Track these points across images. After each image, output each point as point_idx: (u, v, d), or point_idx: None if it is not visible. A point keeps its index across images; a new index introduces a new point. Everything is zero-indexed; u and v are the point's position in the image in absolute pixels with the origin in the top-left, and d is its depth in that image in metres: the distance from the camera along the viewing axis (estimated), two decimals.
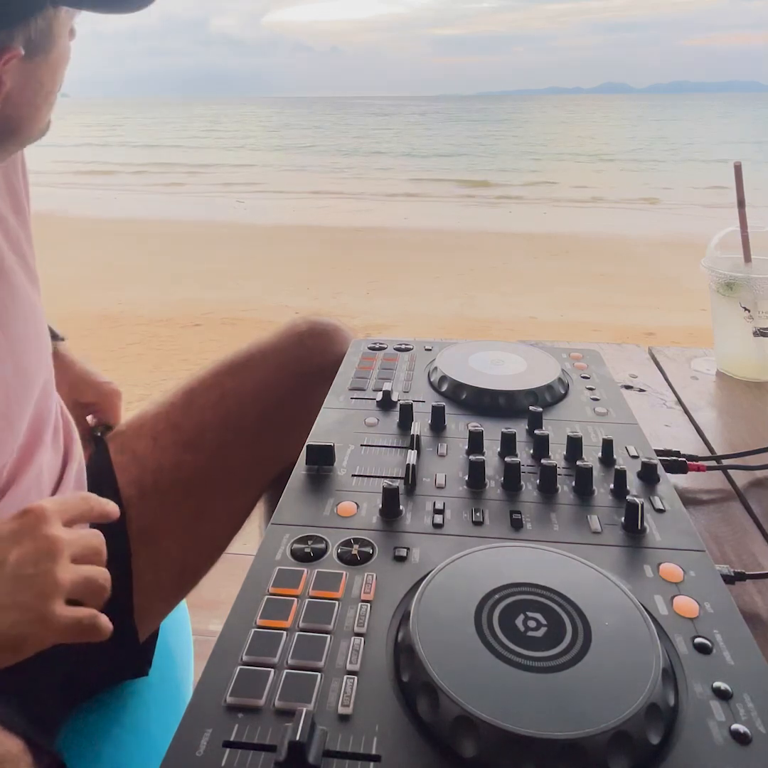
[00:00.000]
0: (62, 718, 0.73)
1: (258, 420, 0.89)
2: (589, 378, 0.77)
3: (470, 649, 0.38)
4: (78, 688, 0.75)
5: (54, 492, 0.75)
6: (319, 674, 0.37)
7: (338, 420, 0.67)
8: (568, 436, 0.61)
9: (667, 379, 0.95)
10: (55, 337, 0.91)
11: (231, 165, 14.76)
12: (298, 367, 0.89)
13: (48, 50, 0.61)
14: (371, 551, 0.47)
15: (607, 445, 0.60)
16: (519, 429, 0.64)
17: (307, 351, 0.90)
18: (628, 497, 0.51)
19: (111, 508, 0.60)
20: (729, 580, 0.52)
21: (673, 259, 5.71)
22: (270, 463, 0.89)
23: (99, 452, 0.88)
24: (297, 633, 0.40)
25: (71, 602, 0.53)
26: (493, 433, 0.63)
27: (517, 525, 0.51)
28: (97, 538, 0.56)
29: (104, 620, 0.53)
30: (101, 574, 0.54)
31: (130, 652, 0.83)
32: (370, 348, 0.85)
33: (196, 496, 0.88)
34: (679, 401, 0.89)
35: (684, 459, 0.69)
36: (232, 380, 0.91)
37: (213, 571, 0.91)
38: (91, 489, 0.82)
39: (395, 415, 0.67)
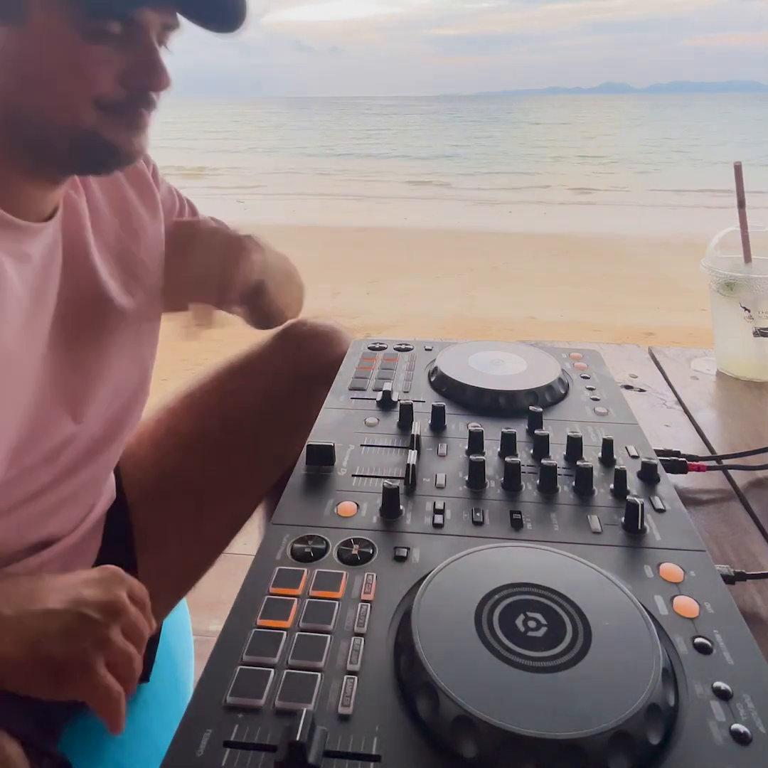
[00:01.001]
0: (65, 720, 0.73)
1: (257, 423, 0.89)
2: (589, 378, 0.77)
3: (470, 649, 0.38)
4: None
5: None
6: (319, 674, 0.37)
7: (338, 420, 0.67)
8: (568, 436, 0.61)
9: (667, 379, 0.95)
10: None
11: (231, 165, 14.76)
12: (297, 370, 0.89)
13: None
14: (371, 551, 0.47)
15: (607, 445, 0.60)
16: (519, 429, 0.64)
17: (306, 353, 0.90)
18: (628, 497, 0.51)
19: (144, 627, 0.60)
20: (729, 580, 0.52)
21: (673, 259, 5.71)
22: (270, 466, 0.89)
23: None
24: (297, 633, 0.40)
25: None
26: (493, 433, 0.63)
27: (517, 525, 0.51)
28: (144, 626, 0.58)
29: (122, 697, 0.54)
30: (138, 658, 0.56)
31: None
32: (370, 348, 0.85)
33: (198, 499, 0.88)
34: (679, 401, 0.89)
35: (684, 459, 0.69)
36: (232, 384, 0.91)
37: (213, 571, 0.91)
38: None
39: (395, 415, 0.67)
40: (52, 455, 0.69)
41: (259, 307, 0.87)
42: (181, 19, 0.66)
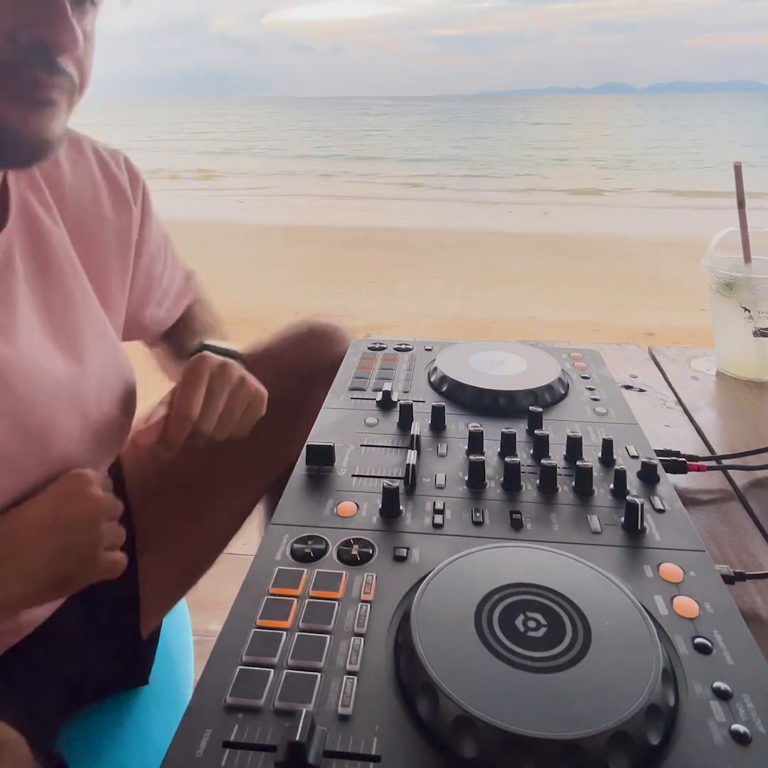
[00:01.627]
0: (64, 721, 0.73)
1: (258, 422, 0.89)
2: (589, 378, 0.77)
3: (470, 649, 0.38)
4: (80, 692, 0.75)
5: None
6: (319, 674, 0.37)
7: (338, 420, 0.67)
8: (568, 436, 0.61)
9: (667, 379, 0.95)
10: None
11: (231, 165, 14.77)
12: (298, 369, 0.89)
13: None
14: (371, 551, 0.47)
15: (607, 445, 0.60)
16: (519, 429, 0.64)
17: (307, 352, 0.90)
18: (628, 497, 0.51)
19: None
20: (729, 580, 0.52)
21: (673, 259, 5.71)
22: (270, 465, 0.89)
23: None
24: (297, 633, 0.40)
25: None
26: (493, 433, 0.63)
27: (517, 525, 0.51)
28: (116, 504, 0.66)
29: (124, 559, 0.65)
30: (121, 530, 0.66)
31: (133, 651, 0.83)
32: (370, 348, 0.85)
33: (198, 498, 0.88)
34: (679, 401, 0.89)
35: (684, 459, 0.69)
36: None
37: (213, 571, 0.91)
38: None
39: (395, 415, 0.67)
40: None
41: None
42: None
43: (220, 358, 0.75)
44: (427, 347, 0.85)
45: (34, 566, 0.59)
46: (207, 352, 0.75)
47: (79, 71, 0.57)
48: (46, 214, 0.69)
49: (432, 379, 0.75)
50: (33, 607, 0.62)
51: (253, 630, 0.40)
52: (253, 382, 0.77)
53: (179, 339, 0.94)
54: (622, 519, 0.51)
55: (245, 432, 0.77)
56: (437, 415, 0.66)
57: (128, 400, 0.76)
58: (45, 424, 0.63)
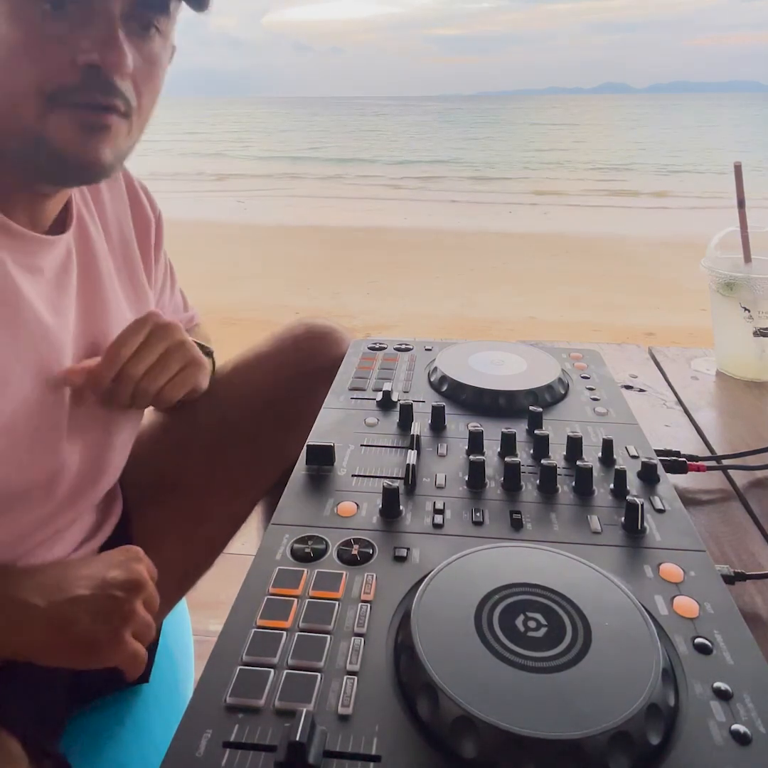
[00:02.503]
0: (65, 721, 0.73)
1: (256, 423, 0.89)
2: (589, 378, 0.77)
3: (470, 649, 0.38)
4: (81, 692, 0.75)
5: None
6: (319, 674, 0.37)
7: (338, 420, 0.67)
8: (568, 436, 0.61)
9: (667, 379, 0.95)
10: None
11: (232, 165, 14.76)
12: (296, 370, 0.89)
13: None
14: (371, 551, 0.47)
15: (607, 445, 0.60)
16: (519, 429, 0.64)
17: (305, 354, 0.90)
18: (628, 497, 0.51)
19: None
20: (729, 580, 0.52)
21: (673, 260, 5.71)
22: (269, 466, 0.89)
23: None
24: (297, 633, 0.40)
25: None
26: (493, 433, 0.63)
27: (517, 525, 0.51)
28: (156, 595, 0.64)
29: (146, 657, 0.61)
30: (153, 625, 0.63)
31: None
32: (370, 348, 0.85)
33: (197, 499, 0.88)
34: (679, 401, 0.89)
35: (684, 459, 0.69)
36: (231, 384, 0.91)
37: (213, 571, 0.91)
38: None
39: (395, 415, 0.67)
40: (48, 483, 0.68)
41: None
42: None
43: (169, 319, 0.75)
44: (427, 347, 0.85)
45: (68, 621, 0.57)
46: (156, 310, 0.76)
47: (137, 94, 0.59)
48: (93, 227, 0.74)
49: (432, 379, 0.75)
50: (52, 663, 0.59)
51: (253, 630, 0.40)
52: (196, 352, 0.78)
53: None
54: (622, 519, 0.51)
55: (176, 395, 0.77)
56: (437, 415, 0.66)
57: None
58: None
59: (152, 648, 0.86)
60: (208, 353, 0.87)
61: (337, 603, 0.43)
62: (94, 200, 0.75)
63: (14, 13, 0.52)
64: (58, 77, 0.53)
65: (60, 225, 0.69)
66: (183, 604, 0.98)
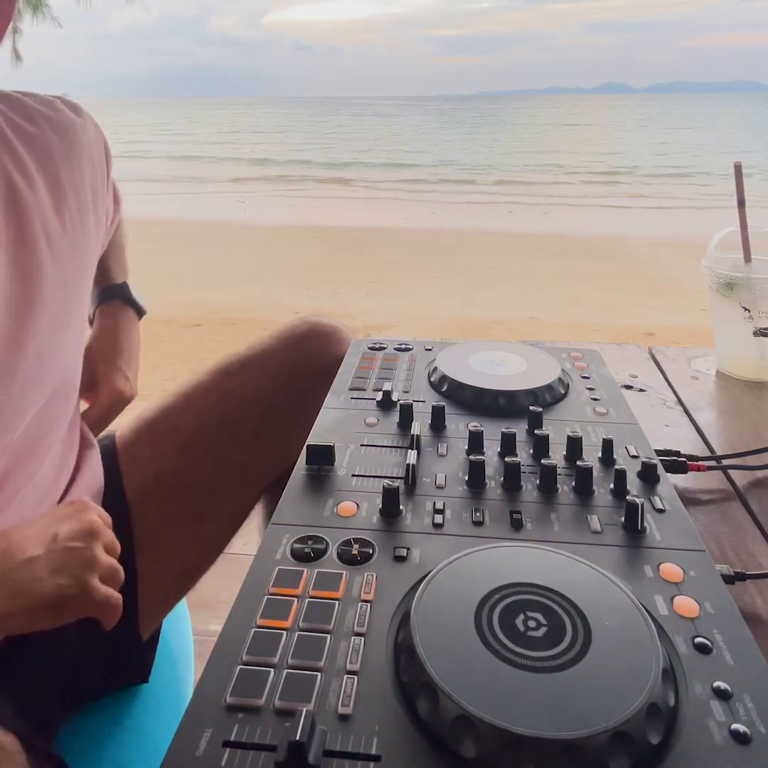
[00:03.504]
0: (64, 721, 0.73)
1: (257, 422, 0.89)
2: (589, 378, 0.77)
3: (470, 649, 0.38)
4: (80, 692, 0.75)
5: (62, 497, 0.76)
6: (319, 674, 0.37)
7: (338, 420, 0.67)
8: (568, 436, 0.61)
9: (667, 379, 0.95)
10: (139, 311, 0.96)
11: (232, 165, 14.76)
12: (297, 369, 0.89)
13: None
14: (371, 551, 0.47)
15: (607, 445, 0.60)
16: (519, 429, 0.64)
17: (306, 352, 0.90)
18: (628, 497, 0.51)
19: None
20: (729, 580, 0.52)
21: (673, 259, 5.71)
22: (269, 465, 0.89)
23: (104, 456, 0.88)
24: (297, 633, 0.40)
25: None
26: (493, 433, 0.63)
27: (517, 525, 0.51)
28: (116, 542, 0.64)
29: (120, 601, 0.61)
30: (120, 569, 0.63)
31: (133, 652, 0.83)
32: (370, 348, 0.85)
33: (197, 498, 0.88)
34: (679, 401, 0.89)
35: (684, 459, 0.69)
36: (231, 382, 0.91)
37: (213, 571, 0.91)
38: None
39: (395, 415, 0.67)
40: None
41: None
42: None
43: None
44: (427, 347, 0.85)
45: (28, 584, 0.56)
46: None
47: None
48: (23, 179, 0.70)
49: (432, 379, 0.75)
50: (26, 630, 0.58)
51: (253, 630, 0.40)
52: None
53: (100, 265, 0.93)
54: (622, 519, 0.51)
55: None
56: (437, 415, 0.66)
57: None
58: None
59: (152, 648, 0.86)
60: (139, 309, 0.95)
61: (337, 603, 0.43)
62: (24, 144, 0.72)
63: None
64: None
65: None
66: (183, 604, 0.98)
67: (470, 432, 0.62)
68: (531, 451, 0.61)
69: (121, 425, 0.94)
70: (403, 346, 0.85)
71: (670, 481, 0.57)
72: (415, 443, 0.60)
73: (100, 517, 0.63)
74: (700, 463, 0.69)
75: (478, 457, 0.57)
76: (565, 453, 0.61)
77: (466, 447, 0.62)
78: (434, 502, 0.54)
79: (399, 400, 0.69)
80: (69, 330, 0.75)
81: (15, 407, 0.67)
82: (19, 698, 0.64)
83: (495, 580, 0.42)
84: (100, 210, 0.83)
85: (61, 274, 0.72)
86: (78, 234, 0.76)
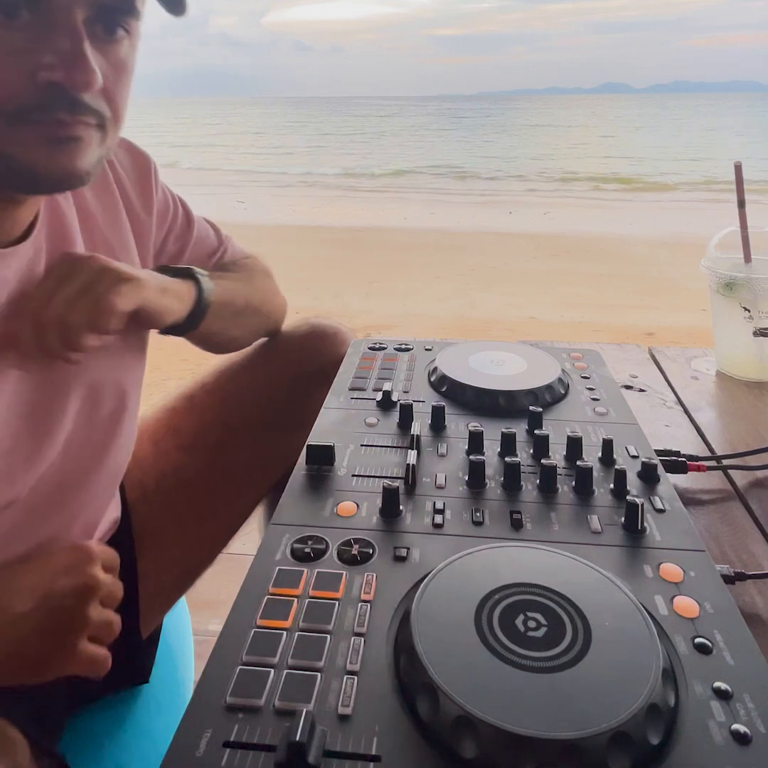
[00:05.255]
0: (65, 721, 0.73)
1: (258, 422, 0.89)
2: (589, 378, 0.77)
3: (470, 649, 0.38)
4: (81, 692, 0.75)
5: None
6: (319, 674, 0.37)
7: (338, 420, 0.67)
8: (568, 436, 0.61)
9: (667, 379, 0.95)
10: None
11: (232, 165, 14.77)
12: (298, 369, 0.89)
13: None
14: (371, 551, 0.47)
15: (607, 445, 0.60)
16: (519, 429, 0.64)
17: (307, 353, 0.90)
18: (628, 497, 0.51)
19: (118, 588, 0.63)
20: (729, 580, 0.52)
21: (673, 259, 5.71)
22: (271, 465, 0.89)
23: None
24: (297, 633, 0.40)
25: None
26: (493, 433, 0.63)
27: (517, 525, 0.51)
28: (118, 588, 0.61)
29: (109, 658, 0.58)
30: (116, 619, 0.59)
31: (133, 652, 0.83)
32: (370, 348, 0.85)
33: (199, 499, 0.88)
34: (679, 401, 0.89)
35: (684, 459, 0.69)
36: (232, 383, 0.91)
37: (213, 571, 0.91)
38: None
39: (395, 415, 0.67)
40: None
41: (196, 336, 0.80)
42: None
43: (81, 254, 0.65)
44: (427, 347, 0.85)
45: (11, 644, 0.54)
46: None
47: (110, 103, 0.55)
48: (73, 226, 0.68)
49: (432, 379, 0.75)
50: (5, 683, 0.55)
51: (253, 630, 0.40)
52: (127, 274, 0.65)
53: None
54: (622, 519, 0.51)
55: (112, 322, 0.64)
56: (437, 415, 0.66)
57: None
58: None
59: (152, 648, 0.86)
60: (189, 275, 0.76)
61: (337, 603, 0.43)
62: (75, 199, 0.69)
63: None
64: (17, 97, 0.49)
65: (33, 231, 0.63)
66: (183, 604, 0.98)
67: (470, 432, 0.62)
68: (531, 451, 0.61)
69: None
70: (403, 346, 0.85)
71: (670, 481, 0.57)
72: (415, 443, 0.60)
73: (105, 562, 0.60)
74: (700, 463, 0.69)
75: (478, 457, 0.57)
76: (565, 453, 0.61)
77: (466, 447, 0.62)
78: (434, 502, 0.54)
79: (399, 400, 0.69)
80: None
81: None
82: (23, 698, 0.64)
83: (495, 580, 0.42)
84: None
85: None
86: None
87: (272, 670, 0.38)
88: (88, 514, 0.74)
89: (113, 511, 0.82)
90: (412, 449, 0.59)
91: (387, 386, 0.71)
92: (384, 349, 0.85)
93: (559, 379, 0.73)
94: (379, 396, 0.71)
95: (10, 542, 0.64)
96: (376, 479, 0.57)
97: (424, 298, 4.77)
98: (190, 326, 0.76)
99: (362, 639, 0.40)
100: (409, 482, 0.56)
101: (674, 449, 0.70)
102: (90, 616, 0.56)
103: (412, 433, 0.61)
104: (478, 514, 0.52)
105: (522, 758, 0.32)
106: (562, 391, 0.73)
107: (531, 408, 0.66)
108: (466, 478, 0.57)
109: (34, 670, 0.55)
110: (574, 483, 0.56)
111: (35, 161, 0.52)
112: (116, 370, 0.73)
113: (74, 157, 0.54)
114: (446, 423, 0.66)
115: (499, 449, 0.61)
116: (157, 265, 0.80)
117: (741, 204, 0.93)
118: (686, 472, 0.68)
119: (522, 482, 0.56)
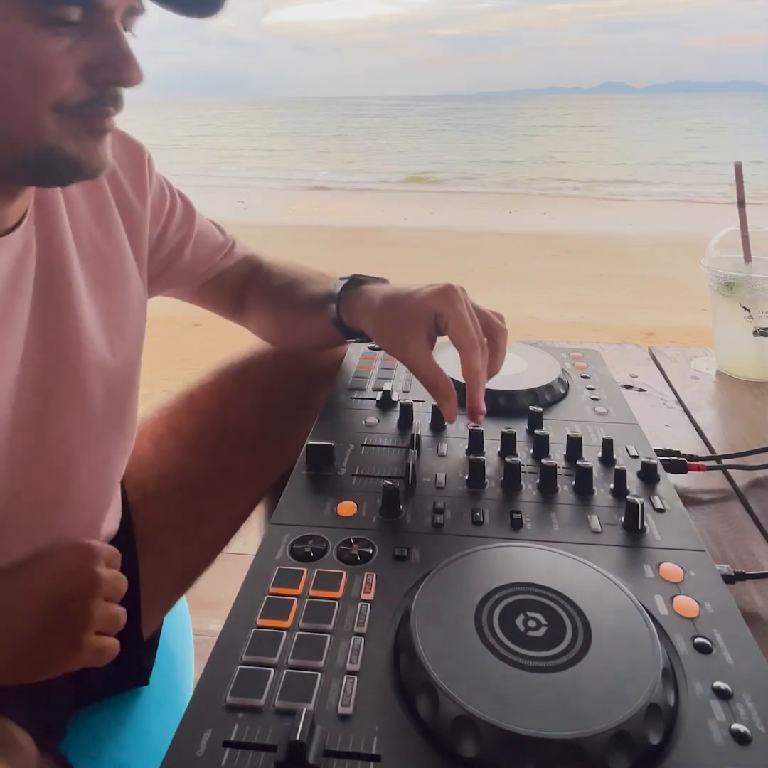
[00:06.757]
0: (68, 721, 0.73)
1: (258, 422, 0.89)
2: (589, 378, 0.77)
3: (470, 649, 0.38)
4: (81, 692, 0.75)
5: None
6: (319, 674, 0.37)
7: (338, 420, 0.67)
8: (568, 436, 0.61)
9: (667, 379, 0.95)
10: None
11: (232, 165, 14.77)
12: (298, 370, 0.89)
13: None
14: (371, 551, 0.47)
15: (607, 445, 0.60)
16: (519, 429, 0.64)
17: (307, 353, 0.90)
18: (628, 497, 0.51)
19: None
20: (729, 580, 0.52)
21: (673, 259, 5.71)
22: (271, 465, 0.89)
23: None
24: (297, 633, 0.40)
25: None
26: (493, 432, 0.63)
27: (517, 525, 0.51)
28: (122, 582, 0.61)
29: (116, 645, 0.59)
30: (122, 611, 0.60)
31: (133, 652, 0.83)
32: (370, 348, 0.85)
33: (199, 499, 0.88)
34: (679, 401, 0.89)
35: (684, 459, 0.69)
36: (233, 383, 0.91)
37: (213, 571, 0.91)
38: None
39: (395, 415, 0.67)
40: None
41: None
42: (149, 1, 0.56)
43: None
44: None
45: (11, 642, 0.54)
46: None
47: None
48: (62, 222, 0.67)
49: None
50: (9, 683, 0.54)
51: (254, 630, 0.40)
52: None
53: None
54: (622, 519, 0.51)
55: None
56: (437, 415, 0.66)
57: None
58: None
59: (153, 648, 0.86)
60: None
61: (337, 603, 0.43)
62: (65, 198, 0.68)
63: (21, 29, 0.49)
64: (74, 94, 0.52)
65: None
66: (183, 604, 0.98)
67: (470, 432, 0.62)
68: (531, 451, 0.61)
69: None
70: None
71: (670, 481, 0.57)
72: (415, 443, 0.60)
73: (107, 560, 0.60)
74: (700, 463, 0.69)
75: (478, 457, 0.57)
76: (565, 453, 0.61)
77: (466, 447, 0.62)
78: (434, 502, 0.54)
79: (399, 400, 0.69)
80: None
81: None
82: (24, 698, 0.64)
83: (495, 580, 0.42)
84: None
85: None
86: None
87: (272, 670, 0.38)
88: (89, 514, 0.74)
89: (114, 512, 0.82)
90: (412, 449, 0.59)
91: (387, 386, 0.71)
92: None
93: (559, 379, 0.73)
94: (379, 396, 0.71)
95: (11, 544, 0.64)
96: (376, 479, 0.57)
97: None
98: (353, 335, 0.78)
99: (362, 639, 0.40)
100: (409, 482, 0.56)
101: (674, 449, 0.69)
102: (95, 613, 0.57)
103: (412, 433, 0.61)
104: (478, 513, 0.52)
105: (522, 758, 0.32)
106: (562, 391, 0.73)
107: (531, 408, 0.66)
108: (466, 478, 0.57)
109: (41, 668, 0.56)
110: (574, 483, 0.56)
111: (81, 153, 0.54)
112: (115, 371, 0.73)
113: (105, 146, 0.57)
114: (446, 423, 0.66)
115: (499, 449, 0.61)
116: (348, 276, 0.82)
117: (741, 203, 0.93)
118: (686, 472, 0.68)
119: (522, 482, 0.56)
